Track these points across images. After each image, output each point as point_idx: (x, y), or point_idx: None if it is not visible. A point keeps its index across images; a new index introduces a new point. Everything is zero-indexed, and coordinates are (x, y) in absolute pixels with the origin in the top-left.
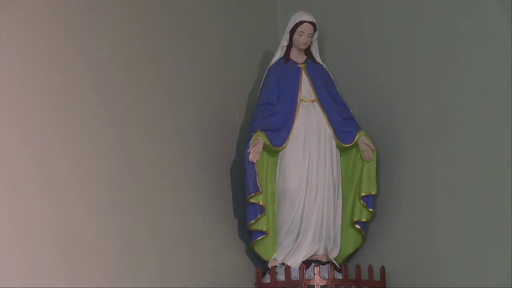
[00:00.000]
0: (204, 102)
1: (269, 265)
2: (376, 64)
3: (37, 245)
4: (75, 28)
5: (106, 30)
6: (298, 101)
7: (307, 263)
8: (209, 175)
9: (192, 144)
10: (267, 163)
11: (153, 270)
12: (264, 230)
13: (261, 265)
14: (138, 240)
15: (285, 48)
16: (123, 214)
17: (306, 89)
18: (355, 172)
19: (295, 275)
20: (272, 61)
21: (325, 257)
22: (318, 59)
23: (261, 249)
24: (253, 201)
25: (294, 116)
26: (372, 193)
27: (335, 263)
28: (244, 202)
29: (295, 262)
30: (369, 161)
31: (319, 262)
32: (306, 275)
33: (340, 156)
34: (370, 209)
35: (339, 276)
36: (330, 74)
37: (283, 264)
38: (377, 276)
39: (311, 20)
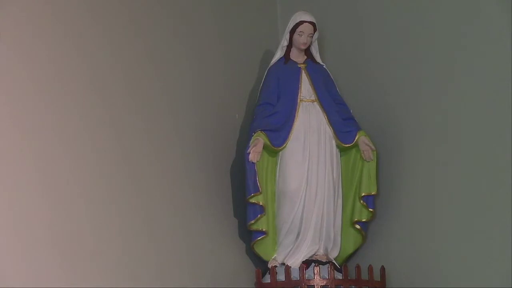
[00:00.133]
0: (204, 102)
1: (269, 265)
2: (376, 64)
3: (37, 245)
4: (75, 28)
5: (106, 30)
6: (298, 101)
7: (307, 263)
8: (209, 175)
9: (192, 144)
10: (267, 163)
11: (153, 270)
12: (264, 230)
13: (261, 265)
14: (138, 240)
15: (285, 48)
16: (123, 214)
17: (306, 89)
18: (355, 172)
19: (295, 275)
20: (272, 61)
21: (325, 257)
22: (318, 59)
23: (261, 249)
24: (253, 201)
25: (294, 116)
26: (372, 193)
27: (335, 263)
28: (244, 202)
29: (295, 262)
30: (369, 161)
31: (319, 262)
32: (306, 275)
33: (340, 156)
34: (370, 209)
35: (339, 276)
36: (330, 74)
37: (283, 264)
38: (377, 276)
39: (311, 20)
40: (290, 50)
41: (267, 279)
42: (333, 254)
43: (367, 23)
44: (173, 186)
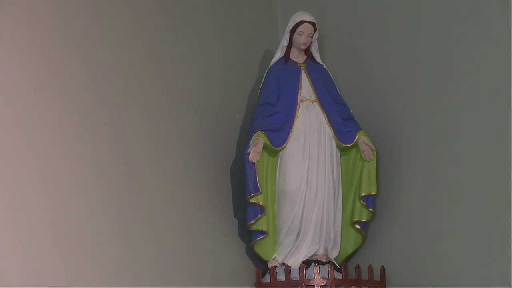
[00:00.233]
0: (204, 102)
1: (269, 265)
2: (376, 64)
3: (37, 245)
4: (75, 28)
5: (106, 30)
6: (298, 101)
7: (307, 263)
8: (209, 175)
9: (192, 144)
10: (267, 163)
11: (153, 270)
12: (264, 230)
13: (261, 265)
14: (138, 240)
15: (285, 48)
16: (123, 214)
17: (306, 89)
18: (355, 172)
19: (295, 275)
20: (272, 61)
21: (325, 257)
22: (318, 59)
23: (261, 249)
24: (253, 201)
25: (294, 116)
26: (372, 193)
27: (335, 263)
28: (244, 202)
29: (295, 262)
30: (369, 161)
31: (319, 262)
32: (306, 275)
33: (340, 156)
34: (370, 209)
35: (339, 276)
36: (330, 74)
37: (283, 264)
38: (377, 276)
39: (311, 20)
40: (290, 50)
41: (267, 279)
42: (333, 254)
43: (367, 23)
44: (173, 186)
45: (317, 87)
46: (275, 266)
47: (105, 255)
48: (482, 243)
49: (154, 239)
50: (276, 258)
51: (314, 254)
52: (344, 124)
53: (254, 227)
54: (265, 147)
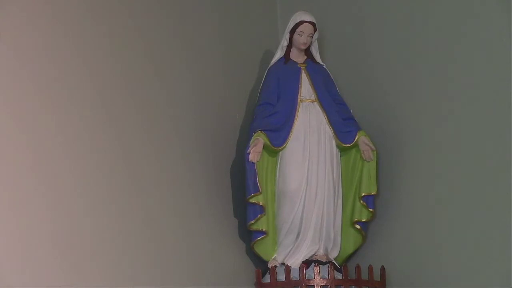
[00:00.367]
0: (204, 102)
1: (269, 265)
2: (376, 64)
3: (37, 245)
4: (75, 28)
5: (106, 30)
6: (298, 101)
7: (307, 263)
8: (209, 175)
9: (192, 144)
10: (267, 163)
11: (153, 270)
12: (264, 230)
13: (261, 265)
14: (138, 240)
15: (285, 48)
16: (123, 214)
17: (306, 89)
18: (355, 172)
19: (295, 275)
20: (272, 61)
21: (325, 257)
22: (318, 59)
23: (261, 249)
24: (253, 201)
25: (294, 116)
26: (372, 193)
27: (335, 263)
28: (244, 202)
29: (295, 262)
30: (369, 161)
31: (319, 262)
32: (306, 275)
33: (340, 156)
34: (370, 209)
35: (339, 276)
36: (330, 74)
37: (283, 264)
38: (377, 276)
39: (311, 20)
40: (290, 50)
41: (267, 279)
42: (333, 254)
43: (367, 23)
44: (173, 186)
45: (317, 87)
46: (275, 266)
47: (105, 255)
48: (482, 243)
49: (154, 239)
50: (276, 258)
51: (314, 254)
52: (344, 124)
53: (254, 227)
54: (265, 147)
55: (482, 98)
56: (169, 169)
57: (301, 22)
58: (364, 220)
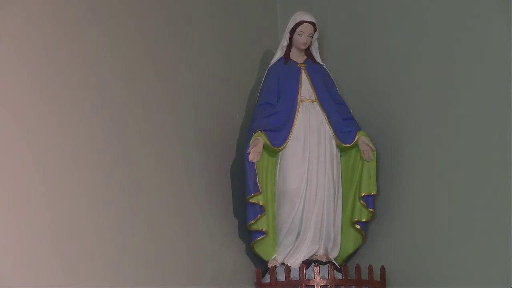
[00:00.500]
0: (204, 102)
1: (269, 265)
2: (376, 64)
3: (37, 245)
4: (75, 28)
5: (106, 30)
6: (298, 101)
7: (307, 263)
8: (209, 175)
9: (192, 144)
10: (267, 163)
11: (153, 270)
12: (264, 230)
13: (261, 265)
14: (138, 240)
15: (285, 48)
16: (123, 214)
17: (306, 89)
18: (355, 172)
19: (295, 275)
20: (272, 61)
21: (325, 257)
22: (318, 59)
23: (261, 249)
24: (253, 201)
25: (294, 116)
26: (372, 193)
27: (335, 263)
28: (244, 202)
29: (295, 262)
30: (369, 161)
31: (319, 262)
32: (306, 275)
33: (340, 156)
34: (370, 209)
35: (339, 276)
36: (330, 74)
37: (283, 264)
38: (377, 276)
39: (311, 20)
40: (290, 50)
41: (267, 279)
42: (333, 254)
43: (367, 23)
44: (173, 186)
45: (317, 87)
46: (275, 266)
47: (105, 255)
48: (482, 243)
49: (154, 239)
50: (276, 258)
51: (314, 254)
52: (344, 124)
53: (254, 227)
54: (265, 147)
55: (482, 98)
56: (169, 169)
57: (301, 22)
58: (364, 220)
